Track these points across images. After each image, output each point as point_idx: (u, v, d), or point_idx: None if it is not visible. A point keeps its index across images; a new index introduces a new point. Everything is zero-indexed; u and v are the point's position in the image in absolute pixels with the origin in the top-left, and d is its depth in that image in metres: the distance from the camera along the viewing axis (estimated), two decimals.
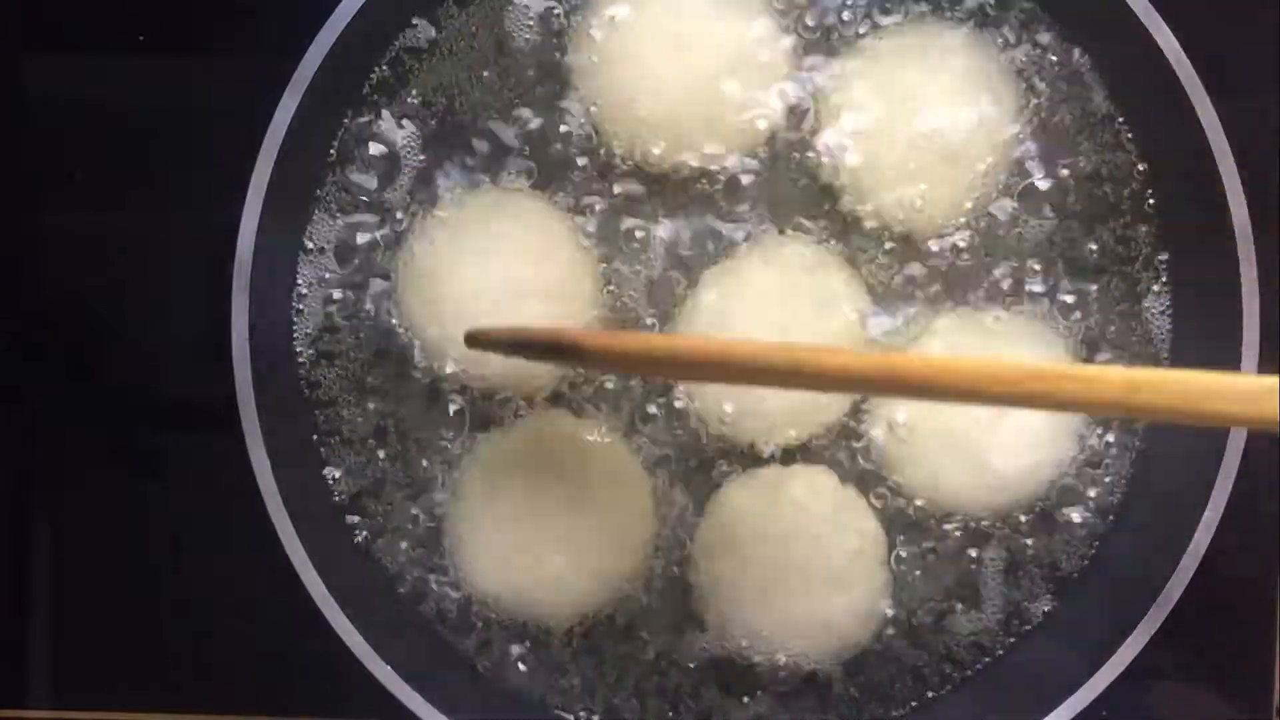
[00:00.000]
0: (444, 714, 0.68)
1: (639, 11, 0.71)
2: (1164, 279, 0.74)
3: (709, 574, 0.72)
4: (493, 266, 0.71)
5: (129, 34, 0.79)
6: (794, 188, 0.74)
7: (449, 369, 0.72)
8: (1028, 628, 0.75)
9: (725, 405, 0.72)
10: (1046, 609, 0.75)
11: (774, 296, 0.71)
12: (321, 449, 0.75)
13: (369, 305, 0.74)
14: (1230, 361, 0.68)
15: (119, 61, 0.79)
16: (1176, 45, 0.68)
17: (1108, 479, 0.75)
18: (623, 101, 0.71)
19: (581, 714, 0.75)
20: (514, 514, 0.72)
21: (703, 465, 0.74)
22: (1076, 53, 0.75)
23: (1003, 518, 0.74)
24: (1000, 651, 0.75)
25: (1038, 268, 0.74)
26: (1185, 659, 0.75)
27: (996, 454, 0.71)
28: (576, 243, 0.73)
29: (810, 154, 0.73)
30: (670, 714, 0.74)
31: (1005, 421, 0.71)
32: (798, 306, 0.71)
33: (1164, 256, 0.74)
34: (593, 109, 0.73)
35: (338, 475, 0.75)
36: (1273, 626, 0.77)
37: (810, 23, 0.74)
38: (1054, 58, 0.75)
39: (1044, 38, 0.75)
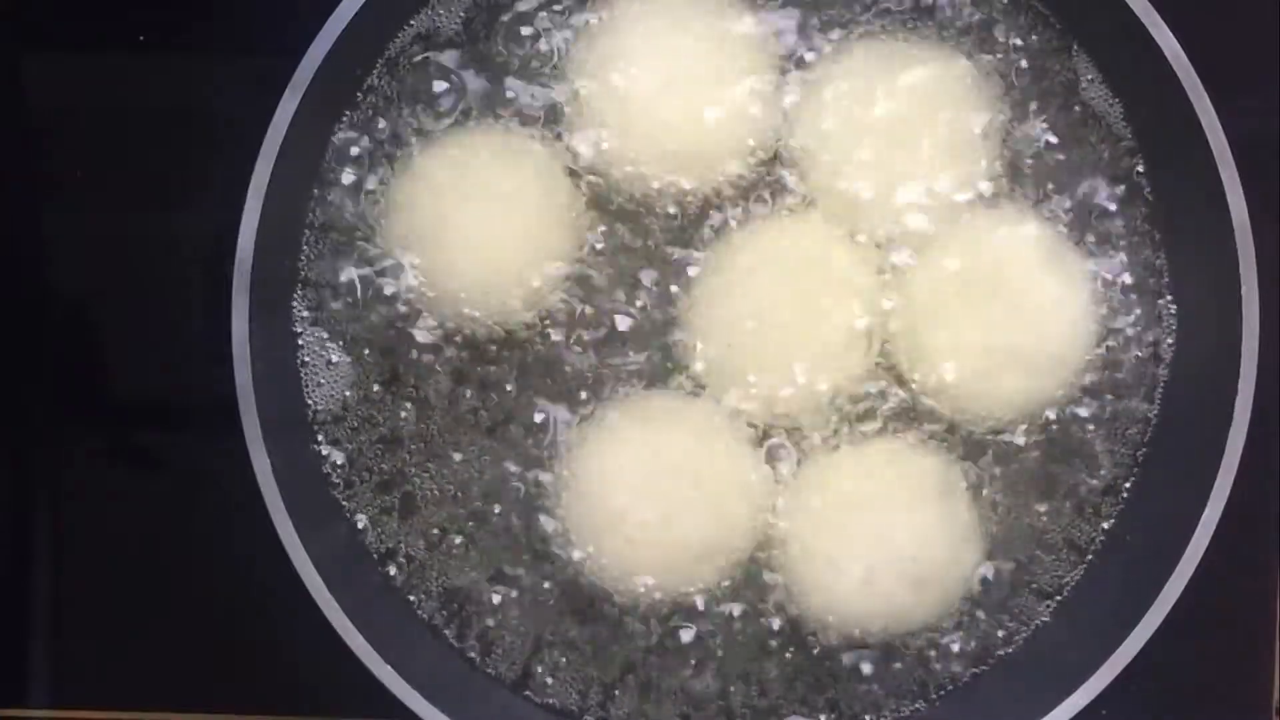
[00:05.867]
0: (446, 714, 0.68)
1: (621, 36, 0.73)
2: (1164, 279, 0.74)
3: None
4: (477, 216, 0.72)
5: (129, 34, 0.79)
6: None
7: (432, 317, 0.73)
8: (1028, 628, 0.75)
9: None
10: (1047, 609, 0.75)
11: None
12: (322, 449, 0.75)
13: (370, 302, 0.75)
14: (1231, 362, 0.68)
15: (119, 61, 0.79)
16: (1176, 45, 0.68)
17: (1109, 478, 0.75)
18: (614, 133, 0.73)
19: (585, 713, 0.75)
20: None
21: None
22: (1077, 53, 0.75)
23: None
24: (1000, 652, 0.75)
25: None
26: (1185, 659, 0.75)
27: None
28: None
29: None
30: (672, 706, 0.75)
31: None
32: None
33: (1163, 257, 0.74)
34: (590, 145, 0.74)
35: (339, 475, 0.75)
36: (1273, 626, 0.77)
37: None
38: (1053, 58, 0.75)
39: (1043, 37, 0.75)
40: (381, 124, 0.75)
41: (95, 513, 0.79)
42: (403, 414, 0.75)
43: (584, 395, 0.74)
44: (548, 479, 0.74)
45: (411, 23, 0.75)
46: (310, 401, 0.75)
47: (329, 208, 0.75)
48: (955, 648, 0.74)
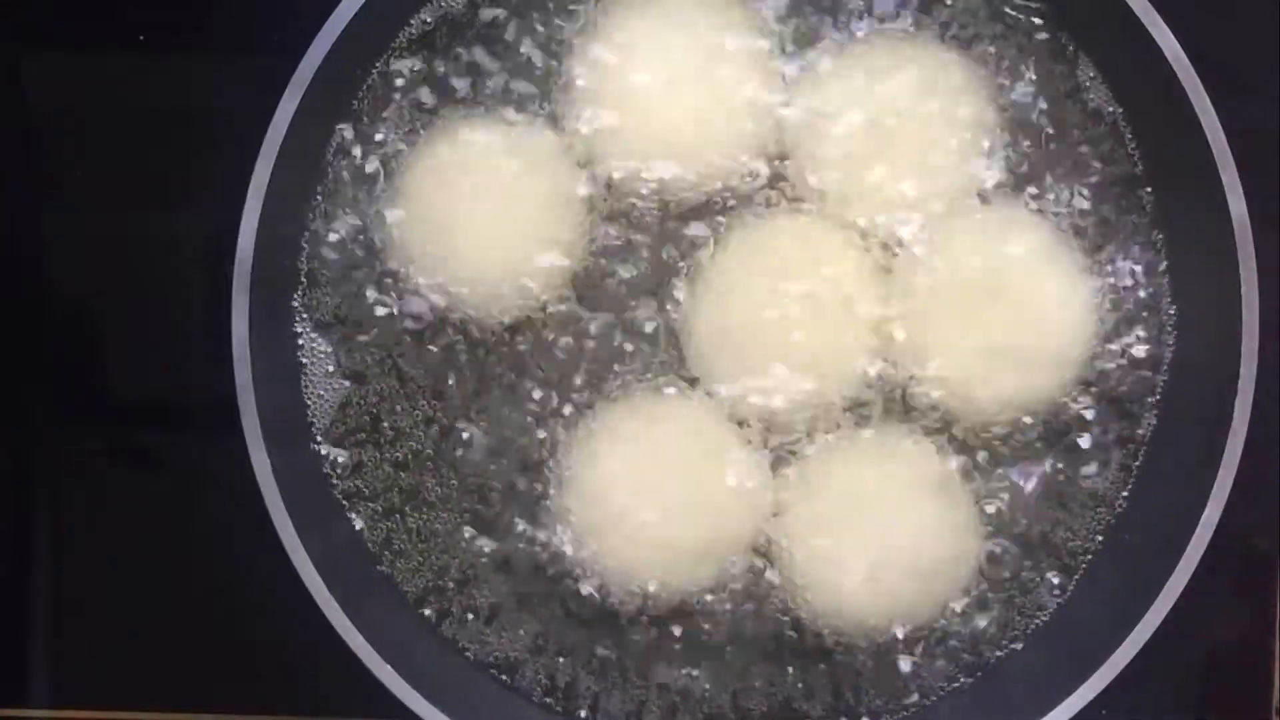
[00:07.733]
0: (446, 714, 0.68)
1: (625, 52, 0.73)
2: (1164, 279, 0.74)
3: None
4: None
5: (129, 34, 0.79)
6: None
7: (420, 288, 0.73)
8: (1028, 628, 0.75)
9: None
10: (1047, 609, 0.75)
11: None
12: (322, 448, 0.75)
13: (371, 302, 0.75)
14: (1231, 362, 0.68)
15: (119, 61, 0.79)
16: (1176, 45, 0.68)
17: (1109, 478, 0.75)
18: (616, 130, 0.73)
19: (585, 714, 0.75)
20: None
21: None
22: (1077, 53, 0.75)
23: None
24: (1000, 652, 0.75)
25: None
26: (1185, 659, 0.75)
27: None
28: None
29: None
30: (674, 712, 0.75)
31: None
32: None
33: (1163, 257, 0.74)
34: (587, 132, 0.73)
35: (338, 474, 0.75)
36: (1273, 626, 0.77)
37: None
38: (1054, 58, 0.75)
39: (1043, 38, 0.75)
40: (382, 122, 0.75)
41: (95, 513, 0.79)
42: (402, 413, 0.75)
43: (585, 394, 0.74)
44: (548, 478, 0.74)
45: (411, 21, 0.75)
46: (310, 401, 0.75)
47: (329, 207, 0.75)
48: (954, 647, 0.74)
